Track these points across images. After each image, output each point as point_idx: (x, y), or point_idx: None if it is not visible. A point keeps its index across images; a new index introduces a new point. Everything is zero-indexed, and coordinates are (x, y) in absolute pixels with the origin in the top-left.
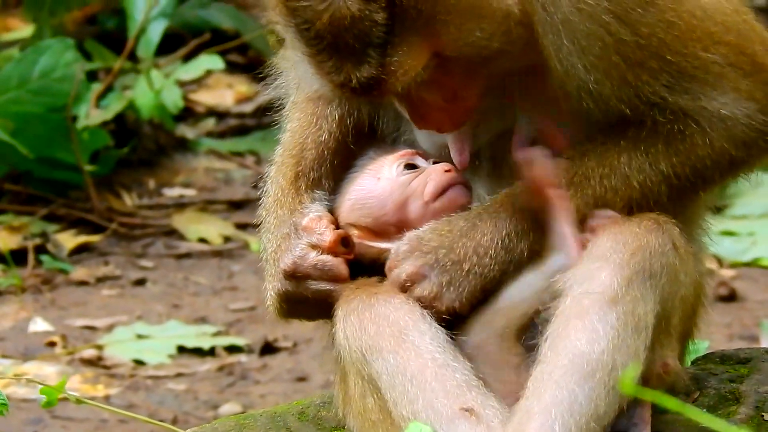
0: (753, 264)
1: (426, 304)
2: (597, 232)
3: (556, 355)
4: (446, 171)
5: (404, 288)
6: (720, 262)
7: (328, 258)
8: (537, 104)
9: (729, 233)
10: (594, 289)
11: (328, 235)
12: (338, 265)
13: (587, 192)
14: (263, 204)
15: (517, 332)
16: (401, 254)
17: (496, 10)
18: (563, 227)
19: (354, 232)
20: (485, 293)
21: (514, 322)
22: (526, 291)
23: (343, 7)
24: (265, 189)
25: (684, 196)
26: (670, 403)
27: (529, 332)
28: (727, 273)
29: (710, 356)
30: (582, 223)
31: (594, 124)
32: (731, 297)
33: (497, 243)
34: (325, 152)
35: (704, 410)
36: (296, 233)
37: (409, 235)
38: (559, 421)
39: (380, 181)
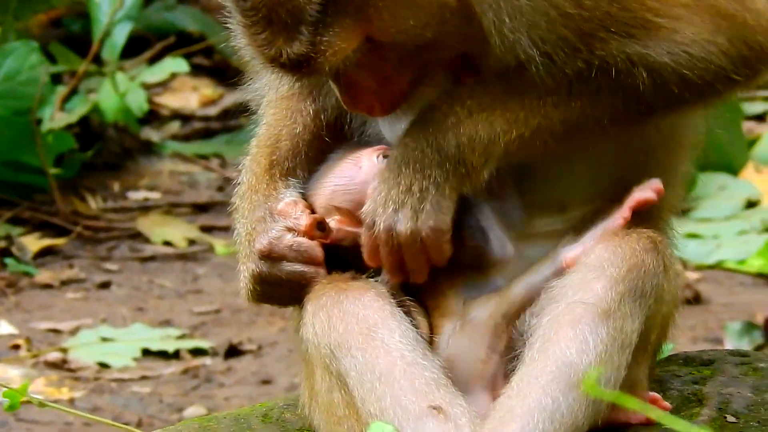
0: (717, 266)
1: (414, 242)
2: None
3: (545, 359)
4: None
5: (391, 242)
6: (685, 264)
7: (304, 240)
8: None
9: (693, 236)
10: (588, 299)
11: (304, 219)
12: (314, 247)
13: (525, 99)
14: (236, 192)
15: (510, 318)
16: (369, 215)
17: (432, 0)
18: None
19: (334, 217)
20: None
21: (515, 307)
22: (536, 279)
23: None
24: (238, 179)
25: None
26: (633, 403)
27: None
28: (691, 275)
29: (674, 358)
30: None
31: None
32: (696, 299)
33: (426, 149)
34: (300, 143)
35: (668, 412)
36: (271, 217)
37: (372, 194)
38: (540, 427)
39: (362, 169)
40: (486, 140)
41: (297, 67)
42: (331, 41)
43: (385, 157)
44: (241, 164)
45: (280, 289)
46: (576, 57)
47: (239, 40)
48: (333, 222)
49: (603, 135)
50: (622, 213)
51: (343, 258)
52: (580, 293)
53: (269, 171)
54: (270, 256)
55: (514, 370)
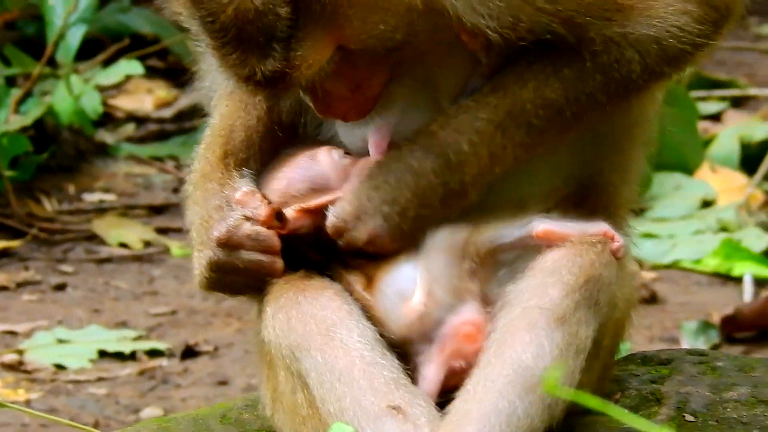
0: (673, 266)
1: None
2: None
3: (501, 363)
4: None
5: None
6: (641, 264)
7: (262, 229)
8: (457, 79)
9: (649, 235)
10: (544, 305)
11: (263, 209)
12: (272, 236)
13: (523, 123)
14: (189, 180)
15: (478, 256)
16: (347, 217)
17: (399, 3)
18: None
19: (291, 207)
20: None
21: (481, 249)
22: (503, 234)
23: (247, 1)
24: (191, 167)
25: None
26: (592, 402)
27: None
28: (647, 275)
29: (631, 357)
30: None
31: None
32: (652, 299)
33: (433, 181)
34: (254, 136)
35: (626, 411)
36: (229, 206)
37: (348, 194)
38: (496, 430)
39: (321, 162)
40: (486, 173)
41: (273, 83)
42: (305, 54)
43: (347, 154)
44: (195, 152)
45: (236, 277)
46: (562, 40)
47: (211, 61)
48: (290, 212)
49: (590, 128)
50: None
51: (295, 249)
52: (536, 298)
53: (223, 160)
54: (228, 244)
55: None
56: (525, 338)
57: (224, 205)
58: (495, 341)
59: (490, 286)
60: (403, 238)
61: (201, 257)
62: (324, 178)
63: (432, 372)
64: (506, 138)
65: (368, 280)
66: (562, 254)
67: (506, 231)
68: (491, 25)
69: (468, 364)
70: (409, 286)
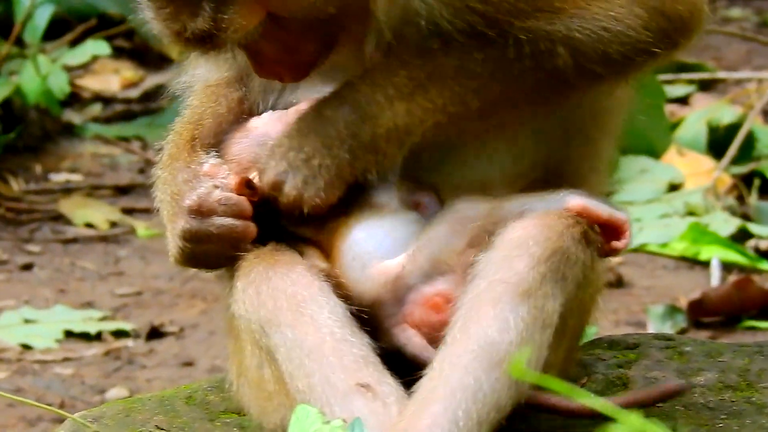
0: (639, 250)
1: (292, 205)
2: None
3: (466, 339)
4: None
5: (273, 195)
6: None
7: (232, 195)
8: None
9: None
10: (509, 279)
11: (232, 178)
12: (243, 200)
13: (444, 86)
14: (158, 164)
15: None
16: (263, 161)
17: None
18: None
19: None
20: (347, 179)
21: (504, 221)
22: (536, 205)
23: None
24: (160, 155)
25: (545, 106)
26: (559, 387)
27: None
28: (614, 259)
29: (598, 342)
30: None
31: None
32: (618, 283)
33: (342, 131)
34: (223, 124)
35: (593, 395)
36: (197, 178)
37: (270, 143)
38: (462, 407)
39: (256, 127)
40: (403, 130)
41: (201, 42)
42: (233, 18)
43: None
44: (163, 141)
45: (209, 246)
46: (487, 35)
47: (145, 14)
48: (257, 179)
49: (522, 115)
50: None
51: (265, 218)
52: (501, 272)
53: (190, 142)
54: (200, 211)
55: None
56: (490, 313)
57: (192, 179)
58: (461, 317)
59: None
60: (307, 187)
61: (174, 229)
62: (264, 138)
63: (408, 332)
64: (426, 99)
65: (325, 249)
66: (530, 226)
67: (537, 202)
68: (419, 12)
69: (435, 334)
70: (374, 249)
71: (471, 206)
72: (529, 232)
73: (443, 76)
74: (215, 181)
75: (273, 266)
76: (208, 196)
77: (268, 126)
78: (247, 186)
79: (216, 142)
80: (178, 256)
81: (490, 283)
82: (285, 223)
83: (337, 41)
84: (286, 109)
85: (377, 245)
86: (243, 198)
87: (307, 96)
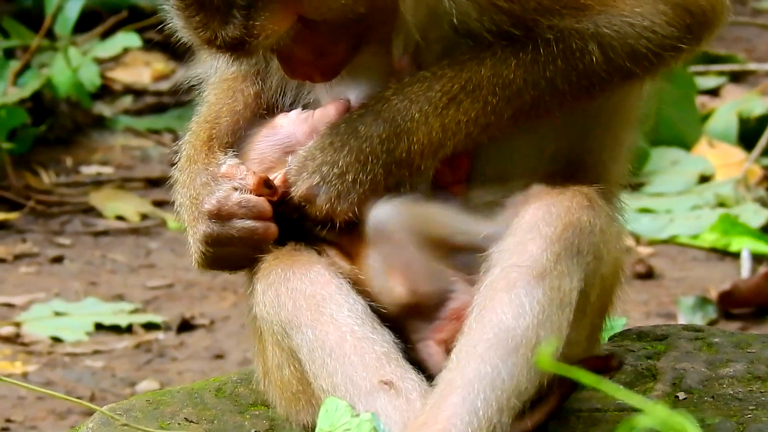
0: (670, 241)
1: (324, 218)
2: (529, 200)
3: (481, 327)
4: (341, 100)
5: (303, 206)
6: (637, 239)
7: (251, 196)
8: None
9: (646, 210)
10: (523, 262)
11: (250, 179)
12: (263, 201)
13: (478, 98)
14: (176, 165)
15: (440, 247)
16: (292, 174)
17: None
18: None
19: (276, 174)
20: (380, 194)
21: (434, 235)
22: (461, 225)
23: None
24: (178, 154)
25: (574, 106)
26: (587, 379)
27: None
28: (644, 250)
29: (627, 333)
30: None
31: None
32: (648, 274)
33: (377, 147)
34: (240, 121)
35: (621, 387)
36: (215, 180)
37: (297, 153)
38: (481, 396)
39: (281, 125)
40: (437, 144)
41: (233, 49)
42: (264, 24)
43: (304, 108)
44: (182, 140)
45: (232, 248)
46: (519, 33)
47: (176, 23)
48: (277, 179)
49: (552, 118)
50: None
51: (285, 217)
52: (515, 257)
53: (207, 143)
54: (220, 215)
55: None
56: (504, 299)
57: (211, 181)
58: (476, 306)
59: (463, 258)
60: (340, 201)
61: (195, 233)
62: (290, 138)
63: (432, 349)
64: (460, 112)
65: (353, 254)
66: (537, 206)
67: (464, 230)
68: (447, 11)
69: None
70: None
71: (403, 222)
72: (537, 213)
73: (477, 88)
74: (233, 182)
75: (291, 267)
76: (227, 200)
77: (295, 127)
78: (265, 185)
79: (233, 141)
80: (201, 260)
81: (504, 269)
82: (309, 226)
83: (366, 41)
84: (309, 105)
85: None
86: (262, 199)
87: (326, 92)
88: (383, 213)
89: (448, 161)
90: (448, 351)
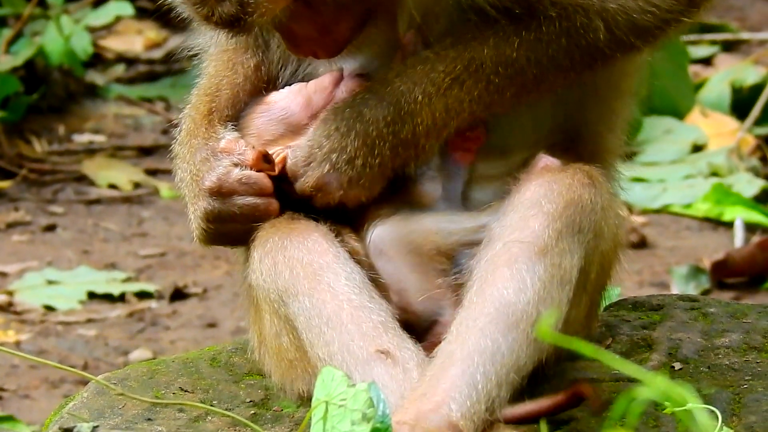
0: (663, 210)
1: (336, 205)
2: (531, 177)
3: (482, 301)
4: (335, 71)
5: (312, 197)
6: (630, 208)
7: (252, 172)
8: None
9: (639, 180)
10: (525, 238)
11: (249, 153)
12: (263, 177)
13: (481, 77)
14: (177, 139)
15: (436, 254)
16: (299, 163)
17: None
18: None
19: (275, 149)
20: (389, 175)
21: (429, 247)
22: (452, 225)
23: None
24: (178, 127)
25: (576, 80)
26: (584, 348)
27: (452, 264)
28: (637, 220)
29: (622, 303)
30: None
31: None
32: (642, 244)
33: (383, 130)
34: (240, 94)
35: (617, 357)
36: (215, 156)
37: (302, 141)
38: (480, 370)
39: (277, 100)
40: (441, 124)
41: (229, 25)
42: (259, 2)
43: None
44: (181, 113)
45: (233, 225)
46: (525, 7)
47: None
48: (276, 154)
49: (554, 92)
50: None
51: (285, 191)
52: (516, 232)
53: (208, 116)
54: (220, 192)
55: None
56: (506, 274)
57: (211, 157)
58: (477, 279)
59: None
60: (352, 186)
61: (196, 210)
62: (285, 111)
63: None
64: (463, 92)
65: (359, 230)
66: (539, 183)
67: (455, 230)
68: None
69: None
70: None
71: (400, 239)
72: (539, 190)
73: (479, 67)
74: (233, 158)
75: (288, 235)
76: (227, 176)
77: (289, 100)
78: (264, 160)
79: (234, 114)
80: (202, 237)
81: (506, 244)
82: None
83: (370, 18)
84: (309, 78)
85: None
86: (263, 175)
87: (329, 66)
88: (379, 233)
89: (462, 133)
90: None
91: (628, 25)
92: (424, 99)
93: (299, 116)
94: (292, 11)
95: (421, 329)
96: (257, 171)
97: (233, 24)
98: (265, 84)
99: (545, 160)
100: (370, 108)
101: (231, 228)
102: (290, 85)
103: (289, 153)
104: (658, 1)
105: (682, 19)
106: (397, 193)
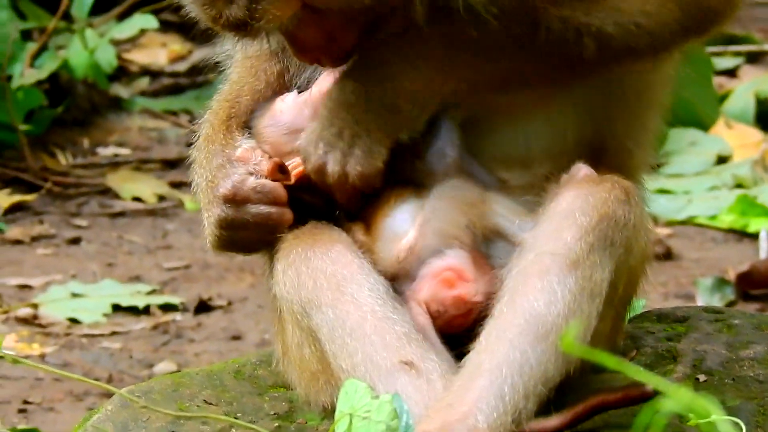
0: (688, 222)
1: (339, 182)
2: (568, 186)
3: (512, 312)
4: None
5: (322, 178)
6: (655, 220)
7: (267, 181)
8: None
9: (664, 191)
10: (557, 250)
11: (265, 163)
12: (278, 187)
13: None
14: (194, 144)
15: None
16: (302, 151)
17: None
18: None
19: (292, 160)
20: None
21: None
22: (503, 208)
23: None
24: (197, 133)
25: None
26: (608, 360)
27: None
28: (662, 231)
29: (647, 315)
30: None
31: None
32: (667, 255)
33: (364, 100)
34: (261, 100)
35: (642, 369)
36: (231, 163)
37: (303, 136)
38: (508, 381)
39: (279, 111)
40: (424, 93)
41: (236, 29)
42: (267, 8)
43: (300, 92)
44: (201, 119)
45: (246, 233)
46: (520, 19)
47: None
48: (292, 164)
49: (543, 88)
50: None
51: (301, 201)
52: (549, 243)
53: (226, 122)
54: (234, 200)
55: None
56: (537, 285)
57: (227, 164)
58: (508, 289)
59: (484, 245)
60: (347, 159)
61: (210, 217)
62: (293, 124)
63: (414, 309)
64: (444, 64)
65: (368, 226)
66: (575, 195)
67: (511, 224)
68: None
69: (446, 311)
70: (405, 227)
71: (464, 189)
72: (574, 202)
73: (462, 47)
74: (248, 167)
75: (312, 246)
76: (242, 184)
77: (296, 111)
78: (280, 170)
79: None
80: (215, 243)
81: (538, 255)
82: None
83: (377, 28)
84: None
85: (410, 223)
86: (277, 184)
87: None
88: (447, 145)
89: None
90: (430, 313)
91: (622, 49)
92: (405, 64)
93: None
94: (300, 18)
95: (419, 263)
96: (273, 180)
97: (240, 28)
98: (287, 91)
99: (584, 170)
100: (352, 78)
101: (244, 235)
102: (302, 90)
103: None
104: (662, 27)
105: (689, 41)
106: (404, 182)
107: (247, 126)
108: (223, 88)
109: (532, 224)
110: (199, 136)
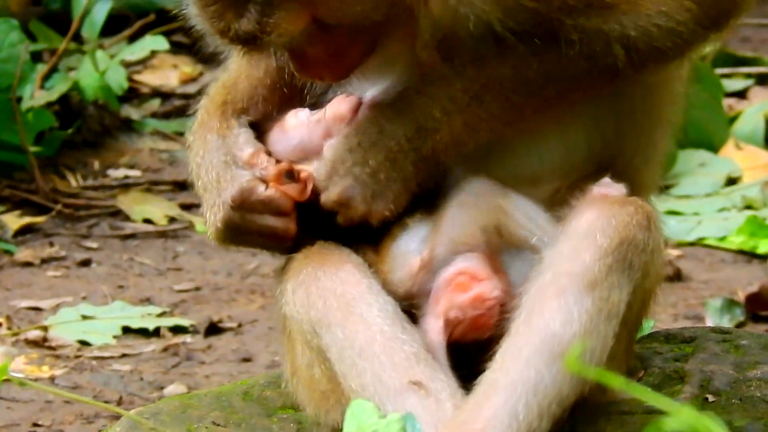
0: (698, 243)
1: (360, 219)
2: (590, 204)
3: (528, 331)
4: (353, 97)
5: (336, 212)
6: (665, 241)
7: (276, 194)
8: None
9: (674, 213)
10: (575, 270)
11: (272, 168)
12: (285, 201)
13: (500, 95)
14: (190, 129)
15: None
16: (322, 177)
17: None
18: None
19: (305, 167)
20: (412, 190)
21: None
22: (526, 219)
23: None
24: (193, 117)
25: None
26: (615, 381)
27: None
28: (672, 252)
29: (655, 335)
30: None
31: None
32: (676, 276)
33: (404, 145)
34: (258, 88)
35: (649, 389)
36: (236, 164)
37: (325, 155)
38: (523, 400)
39: (291, 129)
40: (460, 141)
41: (245, 42)
42: (277, 23)
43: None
44: (197, 106)
45: (249, 237)
46: (545, 31)
47: (191, 10)
48: (305, 172)
49: (573, 108)
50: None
51: (311, 216)
52: (568, 263)
53: (221, 107)
54: (241, 207)
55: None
56: (553, 305)
57: (231, 163)
58: (525, 308)
59: (499, 251)
60: (376, 200)
61: (216, 214)
62: (304, 143)
63: (429, 324)
64: (482, 109)
65: (378, 246)
66: (596, 215)
67: (531, 231)
68: (469, 15)
69: (466, 314)
70: (416, 245)
71: (480, 194)
72: (595, 222)
73: (498, 86)
74: (256, 171)
75: (322, 266)
76: (251, 192)
77: (308, 130)
78: (287, 176)
79: (249, 106)
80: (218, 236)
81: (556, 274)
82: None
83: (382, 44)
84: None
85: (420, 243)
86: (286, 197)
87: (343, 84)
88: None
89: None
90: (447, 324)
91: (647, 51)
92: (443, 116)
93: (319, 146)
94: (309, 33)
95: (432, 277)
96: (279, 185)
97: (249, 42)
98: (284, 82)
99: (607, 188)
100: (390, 123)
101: (247, 239)
102: (313, 102)
103: (314, 169)
104: (681, 28)
105: (707, 40)
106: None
107: (243, 112)
108: (222, 76)
109: (546, 231)
110: (195, 121)
